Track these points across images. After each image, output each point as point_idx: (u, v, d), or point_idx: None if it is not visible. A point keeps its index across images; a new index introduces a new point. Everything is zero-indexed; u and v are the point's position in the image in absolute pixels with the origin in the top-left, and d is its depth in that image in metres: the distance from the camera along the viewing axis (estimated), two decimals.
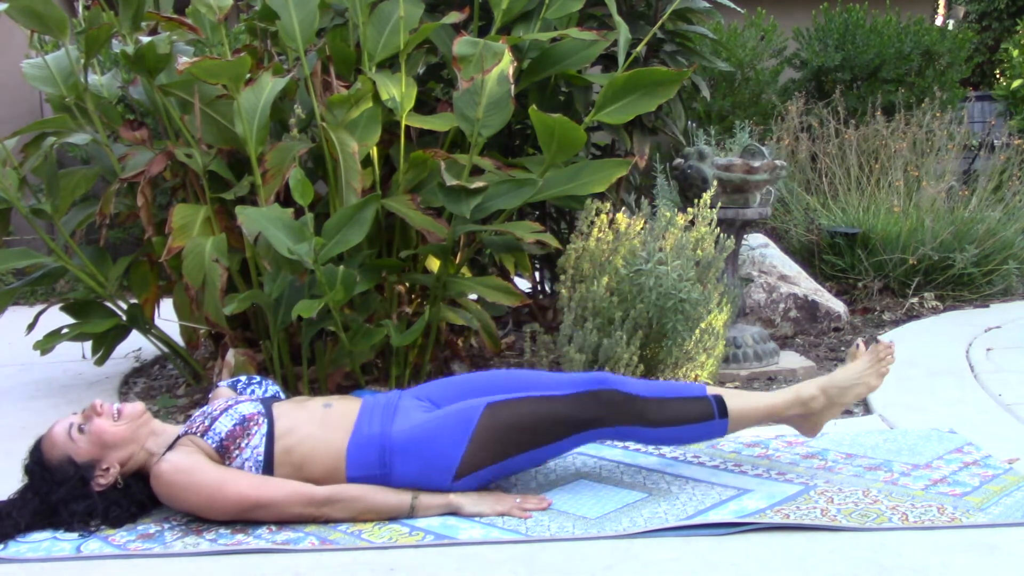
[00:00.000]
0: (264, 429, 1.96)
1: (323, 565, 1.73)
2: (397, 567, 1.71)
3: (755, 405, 2.05)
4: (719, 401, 2.01)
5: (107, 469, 1.94)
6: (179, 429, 2.01)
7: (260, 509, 1.87)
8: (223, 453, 1.92)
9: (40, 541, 1.86)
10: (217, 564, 1.75)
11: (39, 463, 1.94)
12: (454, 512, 1.91)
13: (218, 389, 2.26)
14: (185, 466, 1.87)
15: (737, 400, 2.04)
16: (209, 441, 1.93)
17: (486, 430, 1.94)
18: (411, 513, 1.90)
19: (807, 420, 2.10)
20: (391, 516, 1.91)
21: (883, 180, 5.05)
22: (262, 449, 1.93)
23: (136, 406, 2.00)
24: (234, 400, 2.04)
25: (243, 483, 1.87)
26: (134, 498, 1.95)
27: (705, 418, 2.00)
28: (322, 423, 2.00)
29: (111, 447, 1.94)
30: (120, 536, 1.88)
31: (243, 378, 2.30)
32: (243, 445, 1.93)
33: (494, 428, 1.94)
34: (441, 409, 2.03)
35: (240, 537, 1.84)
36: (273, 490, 1.87)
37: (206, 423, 1.96)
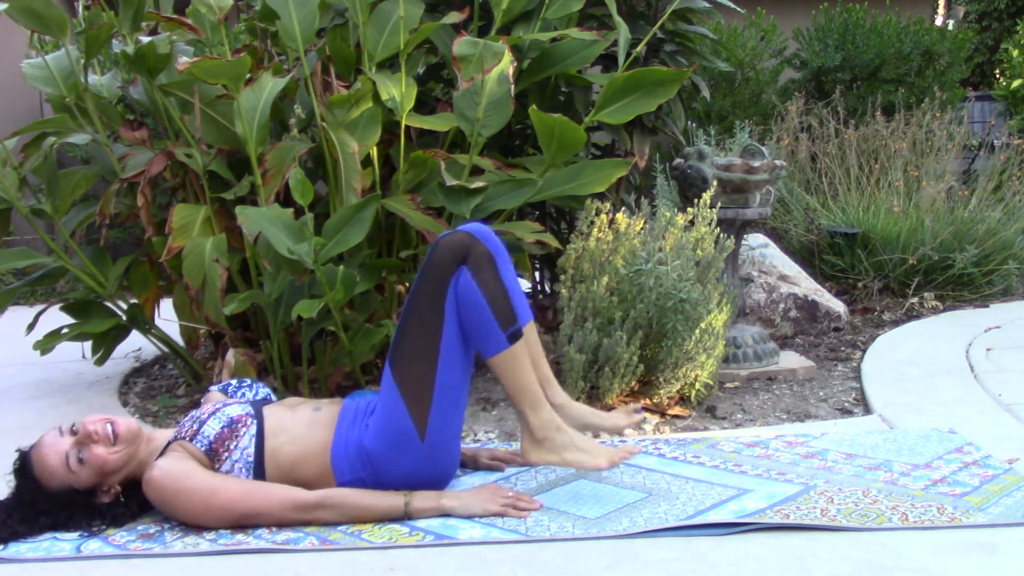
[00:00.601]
0: (253, 430, 1.96)
1: (323, 565, 1.73)
2: (397, 567, 1.71)
3: (526, 374, 1.97)
4: (519, 335, 1.96)
5: (108, 489, 1.95)
6: (169, 435, 2.01)
7: (251, 517, 1.86)
8: (213, 456, 1.92)
9: (40, 541, 1.86)
10: (217, 564, 1.75)
11: (39, 491, 1.91)
12: (446, 515, 1.90)
13: (209, 394, 2.26)
14: (176, 473, 1.87)
15: (523, 357, 1.97)
16: (198, 445, 1.92)
17: (402, 378, 1.93)
18: (404, 517, 1.90)
19: (524, 434, 2.01)
20: (384, 519, 1.90)
21: (883, 180, 5.05)
22: (252, 450, 1.93)
23: (131, 426, 1.96)
24: (222, 403, 2.04)
25: (233, 489, 1.86)
26: (136, 498, 1.95)
27: (503, 324, 1.94)
28: (309, 426, 2.00)
29: (112, 473, 1.94)
30: (120, 536, 1.88)
31: (233, 382, 2.30)
32: (232, 447, 1.93)
33: (403, 369, 1.94)
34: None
35: (240, 537, 1.84)
36: (263, 497, 1.87)
37: (194, 427, 1.96)
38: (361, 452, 1.94)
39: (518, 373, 1.98)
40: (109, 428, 1.93)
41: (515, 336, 1.96)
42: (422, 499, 1.91)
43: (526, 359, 2.00)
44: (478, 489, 1.97)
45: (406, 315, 1.98)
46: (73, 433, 1.93)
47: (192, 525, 1.89)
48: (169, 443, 1.96)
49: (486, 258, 1.96)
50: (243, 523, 1.87)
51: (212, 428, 1.94)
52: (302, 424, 2.00)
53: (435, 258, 1.96)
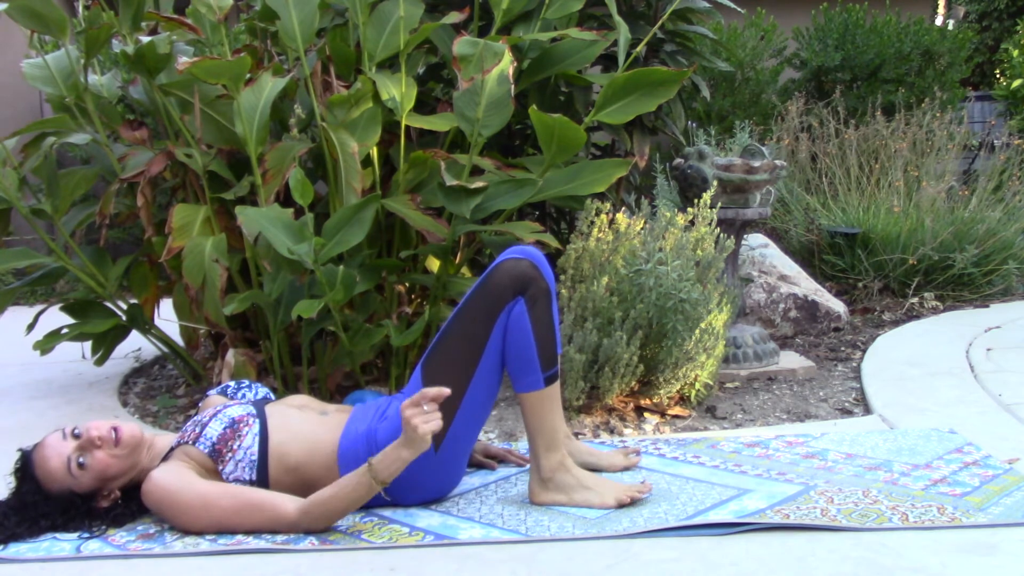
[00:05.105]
0: (256, 429, 1.95)
1: (323, 565, 1.73)
2: (397, 567, 1.71)
3: (551, 416, 1.97)
4: (555, 377, 1.95)
5: (108, 494, 1.95)
6: (172, 440, 2.01)
7: (247, 532, 1.86)
8: (216, 457, 1.92)
9: (40, 541, 1.86)
10: (217, 564, 1.75)
11: (39, 493, 1.91)
12: (405, 462, 1.78)
13: (208, 398, 2.26)
14: (171, 486, 1.87)
15: (554, 400, 1.97)
16: (201, 447, 1.92)
17: (433, 386, 1.89)
18: (375, 482, 1.79)
19: (533, 473, 2.00)
20: (364, 496, 1.81)
21: (883, 180, 5.05)
22: (255, 448, 1.93)
23: (134, 433, 1.95)
24: (223, 405, 2.04)
25: (224, 507, 1.85)
26: (136, 500, 1.95)
27: (544, 365, 1.93)
28: (317, 425, 2.00)
29: (113, 479, 1.94)
30: (120, 536, 1.88)
31: (232, 383, 2.30)
32: (235, 447, 1.93)
33: (436, 378, 1.93)
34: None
35: (240, 537, 1.84)
36: (252, 518, 1.84)
37: (197, 430, 1.96)
38: (371, 444, 1.93)
39: (544, 414, 1.98)
40: (113, 433, 1.93)
41: (552, 379, 1.97)
42: (380, 458, 1.80)
43: (556, 401, 1.99)
44: (405, 437, 1.79)
45: (451, 326, 1.97)
46: (76, 436, 1.92)
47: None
48: (172, 449, 1.96)
49: (544, 294, 1.96)
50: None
51: (214, 429, 1.94)
52: (309, 423, 2.00)
53: (494, 280, 1.95)
